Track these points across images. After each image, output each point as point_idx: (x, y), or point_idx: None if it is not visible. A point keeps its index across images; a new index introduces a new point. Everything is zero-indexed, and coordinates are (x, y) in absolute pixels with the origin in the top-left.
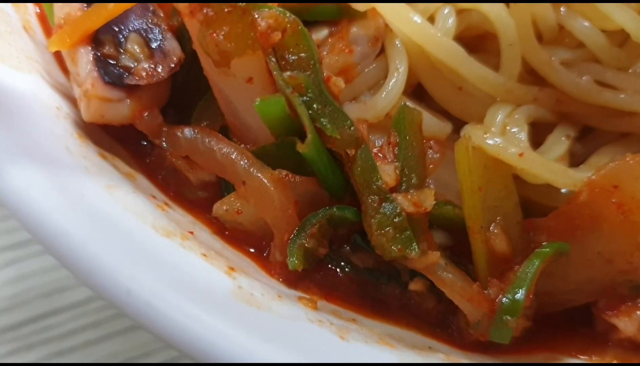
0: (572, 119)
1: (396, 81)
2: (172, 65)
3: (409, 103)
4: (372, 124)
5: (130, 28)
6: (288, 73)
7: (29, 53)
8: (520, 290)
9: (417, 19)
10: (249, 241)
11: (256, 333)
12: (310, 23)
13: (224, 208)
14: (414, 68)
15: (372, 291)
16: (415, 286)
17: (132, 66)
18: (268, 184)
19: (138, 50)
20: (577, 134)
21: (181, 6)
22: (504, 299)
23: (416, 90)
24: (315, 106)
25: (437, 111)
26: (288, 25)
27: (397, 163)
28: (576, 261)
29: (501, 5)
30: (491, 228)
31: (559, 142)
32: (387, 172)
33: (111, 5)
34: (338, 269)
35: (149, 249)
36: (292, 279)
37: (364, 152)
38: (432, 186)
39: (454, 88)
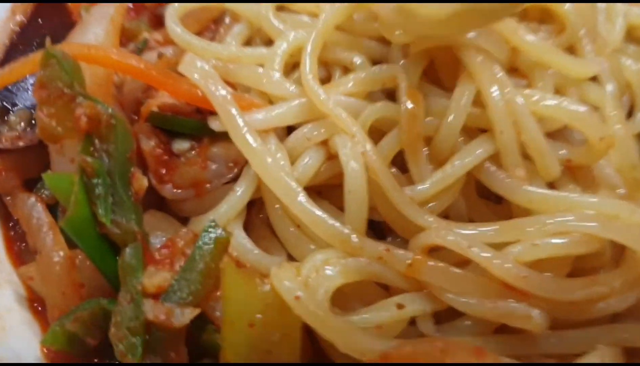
0: (432, 291)
1: (228, 205)
2: (30, 143)
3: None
4: None
5: (26, 104)
6: (88, 157)
7: None
8: None
9: (268, 155)
10: None
11: None
12: (176, 134)
13: (22, 271)
14: (264, 197)
15: None
16: None
17: (3, 132)
18: (54, 258)
19: (19, 123)
20: (431, 311)
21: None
22: None
23: None
24: (98, 191)
25: None
26: (104, 117)
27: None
28: None
29: (359, 152)
30: None
31: (385, 309)
32: (155, 278)
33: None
34: None
35: None
36: (56, 359)
37: (133, 248)
38: (218, 310)
39: (292, 225)
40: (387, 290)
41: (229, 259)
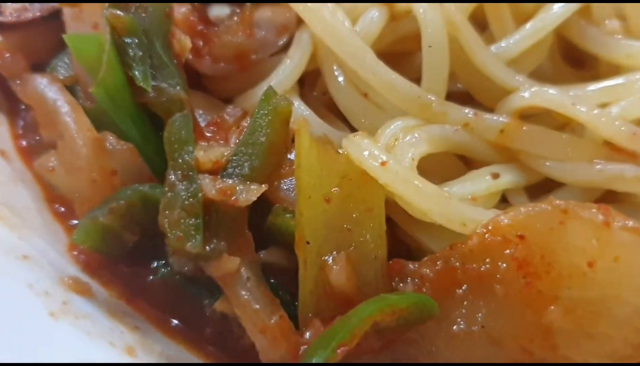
0: (525, 162)
1: (281, 75)
2: (39, 13)
3: (297, 102)
4: None
5: None
6: (118, 11)
7: None
8: (329, 343)
9: (326, 13)
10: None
11: None
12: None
13: (40, 162)
14: (322, 65)
15: (184, 307)
16: (221, 305)
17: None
18: (79, 141)
19: None
20: (525, 184)
21: None
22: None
23: None
24: (133, 51)
25: None
26: None
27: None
28: (448, 332)
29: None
30: (333, 254)
31: (478, 179)
32: (211, 152)
33: None
34: (152, 269)
35: None
36: (91, 264)
37: (181, 119)
38: (283, 190)
39: (357, 94)
40: (468, 167)
41: (304, 120)
